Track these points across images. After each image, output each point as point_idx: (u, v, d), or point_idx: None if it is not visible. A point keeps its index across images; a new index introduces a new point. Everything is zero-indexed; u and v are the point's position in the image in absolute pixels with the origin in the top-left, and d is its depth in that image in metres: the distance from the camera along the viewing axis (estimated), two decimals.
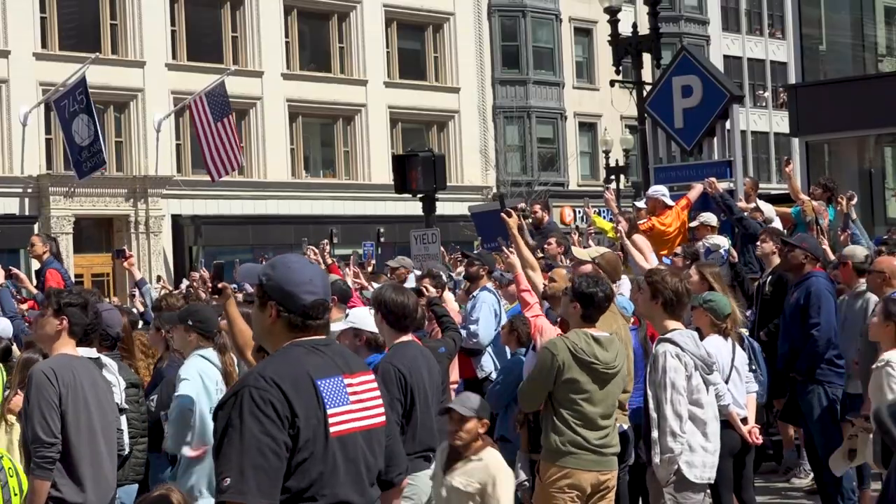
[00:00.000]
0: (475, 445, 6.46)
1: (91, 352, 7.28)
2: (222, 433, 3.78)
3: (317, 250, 12.66)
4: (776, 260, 10.52)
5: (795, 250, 9.63)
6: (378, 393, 4.16)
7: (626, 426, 7.93)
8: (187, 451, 7.29)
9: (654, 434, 6.81)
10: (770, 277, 10.66)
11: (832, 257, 10.80)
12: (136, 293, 12.61)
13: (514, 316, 9.26)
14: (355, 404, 4.00)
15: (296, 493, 3.82)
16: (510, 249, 9.32)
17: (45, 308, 6.40)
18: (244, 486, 3.68)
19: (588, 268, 8.62)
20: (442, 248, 18.13)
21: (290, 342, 4.01)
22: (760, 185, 17.16)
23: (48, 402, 5.87)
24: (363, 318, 7.29)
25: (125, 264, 10.84)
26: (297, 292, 4.00)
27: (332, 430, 3.88)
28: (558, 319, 8.02)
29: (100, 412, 6.10)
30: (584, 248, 11.34)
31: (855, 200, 12.01)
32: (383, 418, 4.14)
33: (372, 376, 4.18)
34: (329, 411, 3.89)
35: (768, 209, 13.15)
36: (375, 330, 7.10)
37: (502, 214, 9.30)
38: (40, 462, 5.78)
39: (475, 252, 13.44)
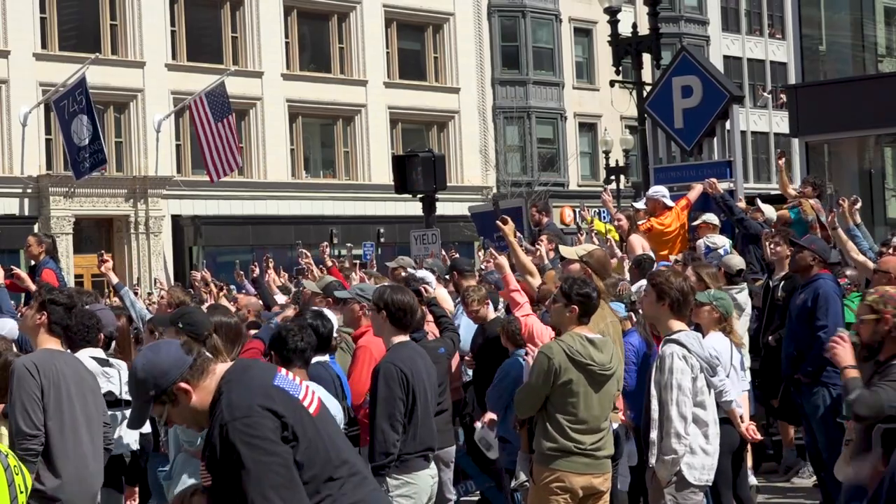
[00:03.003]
0: None
1: (97, 352, 7.27)
2: (227, 476, 3.84)
3: (308, 254, 12.66)
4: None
5: (804, 251, 9.58)
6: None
7: (616, 425, 7.91)
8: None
9: (654, 434, 6.79)
10: (783, 283, 10.55)
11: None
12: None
13: (505, 317, 9.23)
14: (301, 386, 4.13)
15: (315, 479, 3.90)
16: (500, 252, 9.30)
17: (33, 302, 6.42)
18: None
19: (576, 267, 8.56)
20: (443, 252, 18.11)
21: (220, 374, 4.03)
22: (760, 186, 17.13)
23: (30, 394, 5.87)
24: None
25: (102, 269, 10.51)
26: (170, 371, 3.99)
27: (310, 410, 4.00)
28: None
29: (84, 408, 6.07)
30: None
31: (859, 205, 11.97)
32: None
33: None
34: (298, 397, 4.01)
35: (769, 210, 13.14)
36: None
37: (497, 222, 9.27)
38: (23, 455, 5.77)
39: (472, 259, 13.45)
